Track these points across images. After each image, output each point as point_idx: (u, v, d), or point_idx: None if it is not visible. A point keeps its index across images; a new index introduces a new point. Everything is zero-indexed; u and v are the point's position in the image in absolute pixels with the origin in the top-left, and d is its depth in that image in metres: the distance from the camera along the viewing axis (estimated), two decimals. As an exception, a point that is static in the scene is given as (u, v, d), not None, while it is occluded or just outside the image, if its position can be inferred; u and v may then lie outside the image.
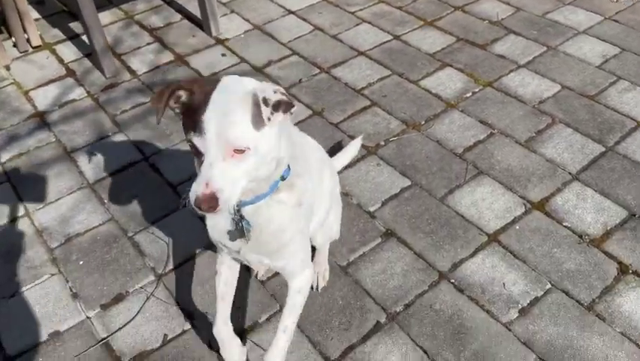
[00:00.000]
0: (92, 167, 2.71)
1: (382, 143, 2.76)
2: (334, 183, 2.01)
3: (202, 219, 2.15)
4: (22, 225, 2.45)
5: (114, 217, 2.46)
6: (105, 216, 2.46)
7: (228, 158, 1.26)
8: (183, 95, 1.34)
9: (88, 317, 2.09)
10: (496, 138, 2.74)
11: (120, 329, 2.05)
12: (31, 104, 3.11)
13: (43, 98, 3.15)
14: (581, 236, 2.28)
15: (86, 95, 3.17)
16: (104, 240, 2.36)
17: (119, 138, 2.88)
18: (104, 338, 2.02)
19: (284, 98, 1.26)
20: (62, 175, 2.67)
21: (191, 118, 1.29)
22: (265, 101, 1.24)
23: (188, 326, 2.05)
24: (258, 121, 1.27)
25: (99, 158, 2.75)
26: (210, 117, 1.26)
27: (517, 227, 2.33)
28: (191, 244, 2.31)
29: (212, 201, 1.24)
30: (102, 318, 2.09)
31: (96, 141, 2.85)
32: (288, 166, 1.49)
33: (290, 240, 1.61)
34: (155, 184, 2.60)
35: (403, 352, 1.94)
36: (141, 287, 2.18)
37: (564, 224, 2.33)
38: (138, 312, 2.09)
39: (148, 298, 2.14)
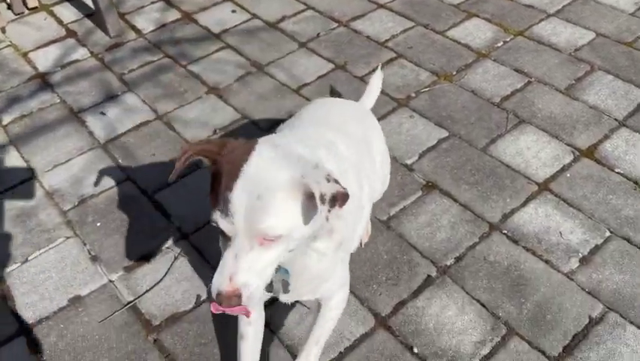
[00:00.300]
0: (102, 126, 2.51)
1: (413, 94, 2.58)
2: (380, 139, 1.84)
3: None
4: (31, 187, 2.25)
5: (130, 177, 2.27)
6: (121, 176, 2.28)
7: (257, 246, 1.07)
8: (205, 161, 1.13)
9: (111, 281, 1.91)
10: (535, 87, 2.58)
11: (148, 291, 1.87)
12: (31, 66, 2.90)
13: (43, 60, 2.94)
14: (636, 182, 2.13)
15: (89, 55, 2.96)
16: (121, 200, 2.18)
17: (129, 96, 2.67)
18: (131, 302, 1.85)
19: (339, 188, 1.03)
20: (70, 136, 2.47)
21: (217, 191, 1.07)
22: (322, 198, 1.02)
23: (222, 286, 1.88)
24: (308, 215, 1.07)
25: (109, 117, 2.55)
26: (240, 199, 1.04)
27: (568, 175, 2.17)
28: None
29: (234, 299, 1.07)
30: (127, 281, 1.91)
31: (104, 101, 2.65)
32: None
33: (329, 277, 1.42)
34: (172, 142, 2.41)
35: (459, 306, 1.79)
36: (167, 247, 2.00)
37: (616, 170, 2.18)
38: (166, 273, 1.92)
39: (176, 258, 1.96)
